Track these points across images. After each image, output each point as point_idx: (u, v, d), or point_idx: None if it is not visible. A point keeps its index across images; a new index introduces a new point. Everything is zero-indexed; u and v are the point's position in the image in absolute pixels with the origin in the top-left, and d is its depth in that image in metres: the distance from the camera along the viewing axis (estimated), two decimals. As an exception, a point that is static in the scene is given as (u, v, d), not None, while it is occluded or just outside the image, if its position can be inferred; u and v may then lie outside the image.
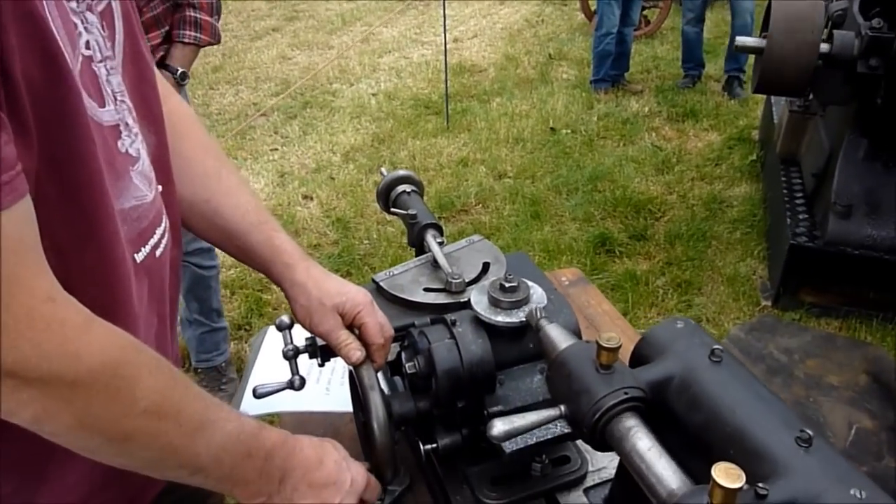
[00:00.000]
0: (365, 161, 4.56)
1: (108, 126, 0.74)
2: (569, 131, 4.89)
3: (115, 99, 0.77)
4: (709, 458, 0.78)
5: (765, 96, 4.41)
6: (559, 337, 0.90)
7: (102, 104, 0.74)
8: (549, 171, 4.38)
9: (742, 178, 4.20)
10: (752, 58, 4.47)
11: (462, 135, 4.90)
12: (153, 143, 0.89)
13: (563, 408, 0.84)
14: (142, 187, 0.80)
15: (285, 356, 1.10)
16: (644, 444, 0.76)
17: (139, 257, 0.80)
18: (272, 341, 1.63)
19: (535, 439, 0.97)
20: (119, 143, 0.77)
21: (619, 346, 0.80)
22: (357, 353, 1.01)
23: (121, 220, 0.75)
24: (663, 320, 0.89)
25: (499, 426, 0.81)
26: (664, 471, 0.73)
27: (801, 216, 3.12)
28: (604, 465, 1.16)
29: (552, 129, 4.94)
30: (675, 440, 0.80)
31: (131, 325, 0.77)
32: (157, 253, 0.85)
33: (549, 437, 0.98)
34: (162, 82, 0.97)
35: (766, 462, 0.72)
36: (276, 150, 4.85)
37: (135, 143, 0.80)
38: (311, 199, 4.16)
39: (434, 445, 1.06)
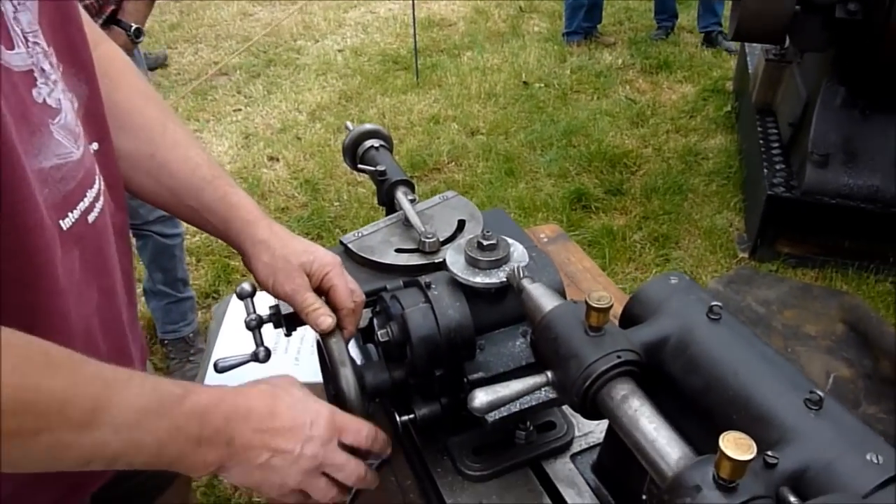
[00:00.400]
0: (332, 120, 4.41)
1: (18, 71, 0.64)
2: (542, 85, 4.78)
3: (27, 40, 0.66)
4: (709, 424, 0.72)
5: (739, 46, 4.34)
6: (544, 297, 0.83)
7: (10, 46, 0.63)
8: (523, 126, 4.28)
9: (717, 129, 4.15)
10: (727, 7, 4.39)
11: (433, 91, 4.76)
12: (84, 93, 0.78)
13: (549, 374, 0.77)
14: (66, 143, 0.70)
15: (248, 326, 1.03)
16: (640, 412, 0.70)
17: (66, 224, 0.70)
18: (236, 310, 1.54)
19: (519, 407, 0.91)
20: (34, 92, 0.66)
21: (611, 306, 0.73)
22: (327, 319, 0.92)
23: (39, 182, 0.65)
24: (655, 276, 0.82)
25: (481, 397, 0.74)
26: (663, 441, 0.67)
27: (777, 166, 3.09)
28: (590, 429, 1.10)
29: (525, 83, 4.82)
30: (672, 405, 0.73)
31: (57, 301, 0.68)
32: (90, 218, 0.75)
33: (534, 403, 0.92)
34: (90, 25, 0.85)
35: (774, 427, 0.66)
36: (240, 110, 4.66)
37: (54, 93, 0.69)
38: (278, 160, 4.02)
39: (412, 416, 0.99)
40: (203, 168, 0.97)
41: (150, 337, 2.73)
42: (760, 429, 0.66)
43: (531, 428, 1.05)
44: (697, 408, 0.73)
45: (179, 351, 2.67)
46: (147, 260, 2.50)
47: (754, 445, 0.57)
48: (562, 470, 1.04)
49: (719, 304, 0.77)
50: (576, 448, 1.07)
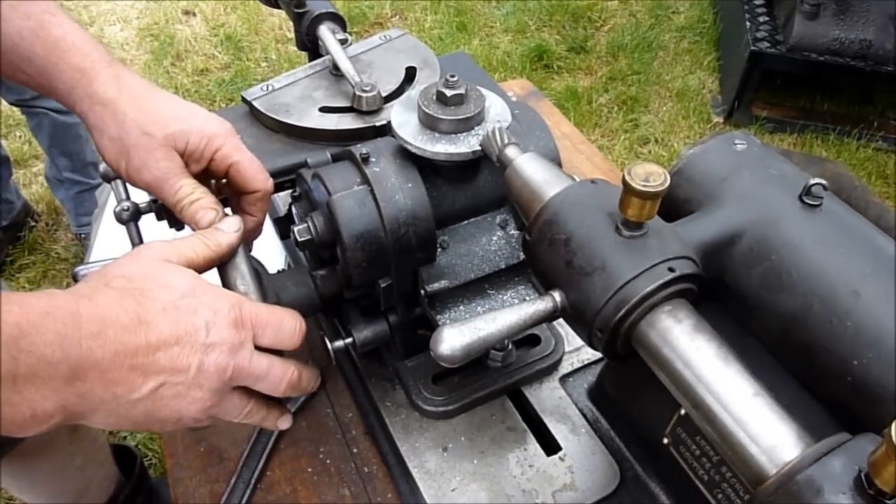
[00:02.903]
0: (257, -33, 3.81)
1: None
2: (496, -73, 4.21)
3: None
4: (807, 370, 0.46)
5: None
6: (543, 175, 0.53)
7: None
8: (475, -26, 3.78)
9: (689, -21, 3.75)
10: None
11: (372, -67, 4.15)
12: None
13: (557, 296, 0.49)
14: None
15: (119, 219, 0.73)
16: (709, 357, 0.43)
17: None
18: (120, 194, 1.21)
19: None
20: None
21: (665, 189, 0.44)
22: (209, 213, 0.62)
23: None
24: (709, 138, 0.53)
25: (451, 340, 0.46)
26: (754, 409, 0.41)
27: (761, 19, 2.76)
28: (583, 343, 0.86)
29: (477, -76, 4.24)
30: (739, 340, 0.48)
31: None
32: None
33: (519, 321, 0.65)
34: None
35: (934, 385, 0.41)
36: (146, -45, 3.99)
37: None
38: (194, 14, 3.47)
39: (349, 340, 0.72)
40: None
41: (57, 228, 2.35)
42: (908, 386, 0.41)
43: (509, 346, 0.79)
44: (790, 345, 0.47)
45: (97, 247, 2.30)
46: (46, 143, 2.08)
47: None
48: (549, 398, 0.80)
49: (821, 181, 0.50)
50: (566, 368, 0.83)
